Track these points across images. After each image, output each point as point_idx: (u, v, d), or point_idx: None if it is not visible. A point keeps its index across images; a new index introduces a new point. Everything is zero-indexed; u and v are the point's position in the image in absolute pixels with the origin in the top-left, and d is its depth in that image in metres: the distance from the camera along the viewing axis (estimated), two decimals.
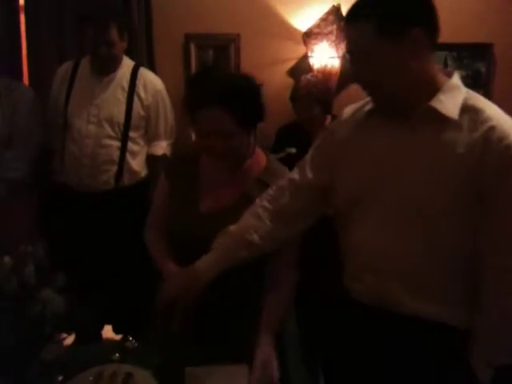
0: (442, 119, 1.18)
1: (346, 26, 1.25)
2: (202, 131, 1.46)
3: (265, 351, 1.38)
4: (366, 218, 1.29)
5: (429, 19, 1.20)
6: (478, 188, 1.15)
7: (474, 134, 1.16)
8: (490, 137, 1.14)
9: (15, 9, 2.93)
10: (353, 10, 1.23)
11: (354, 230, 1.33)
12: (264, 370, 1.33)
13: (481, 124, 1.16)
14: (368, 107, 1.34)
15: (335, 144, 1.38)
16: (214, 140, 1.43)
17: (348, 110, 1.41)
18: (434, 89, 1.21)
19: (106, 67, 2.51)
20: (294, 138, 2.69)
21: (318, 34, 3.04)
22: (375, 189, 1.26)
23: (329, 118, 2.70)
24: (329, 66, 3.05)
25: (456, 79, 1.25)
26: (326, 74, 3.02)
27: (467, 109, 1.19)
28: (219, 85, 1.42)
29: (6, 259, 1.20)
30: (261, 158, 1.57)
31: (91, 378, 1.35)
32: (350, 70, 1.32)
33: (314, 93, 2.62)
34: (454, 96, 1.20)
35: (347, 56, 1.31)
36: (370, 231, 1.28)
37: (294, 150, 2.64)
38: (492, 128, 1.15)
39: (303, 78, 2.73)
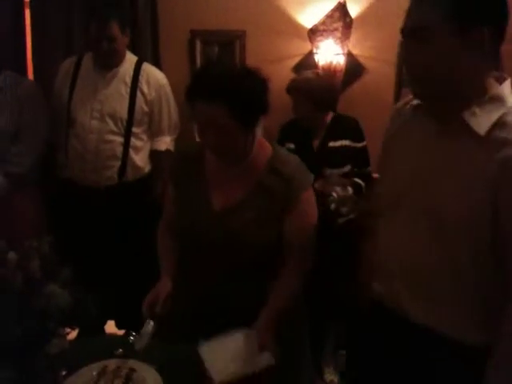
0: (472, 132, 1.13)
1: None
2: (200, 124, 1.43)
3: (263, 334, 1.37)
4: (391, 220, 1.29)
5: (500, 23, 1.13)
6: (494, 207, 1.09)
7: (499, 154, 1.09)
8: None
9: (20, 4, 2.93)
10: None
11: (381, 230, 1.33)
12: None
13: (509, 145, 1.09)
14: (413, 102, 1.30)
15: (385, 144, 1.39)
16: (207, 134, 1.40)
17: (394, 107, 1.41)
18: (481, 95, 1.15)
19: (107, 62, 2.51)
20: (294, 134, 2.67)
21: (324, 30, 3.02)
22: (405, 193, 1.25)
23: (330, 114, 2.65)
24: (334, 62, 3.03)
25: (504, 89, 1.16)
26: (331, 70, 3.00)
27: (502, 125, 1.11)
28: (220, 79, 1.37)
29: (12, 254, 1.20)
30: (265, 145, 1.54)
31: (95, 373, 1.36)
32: (404, 51, 1.21)
33: (307, 92, 2.54)
34: (492, 110, 1.13)
35: (403, 34, 1.19)
36: (392, 233, 1.28)
37: (292, 146, 2.62)
38: None
39: (304, 73, 2.70)
